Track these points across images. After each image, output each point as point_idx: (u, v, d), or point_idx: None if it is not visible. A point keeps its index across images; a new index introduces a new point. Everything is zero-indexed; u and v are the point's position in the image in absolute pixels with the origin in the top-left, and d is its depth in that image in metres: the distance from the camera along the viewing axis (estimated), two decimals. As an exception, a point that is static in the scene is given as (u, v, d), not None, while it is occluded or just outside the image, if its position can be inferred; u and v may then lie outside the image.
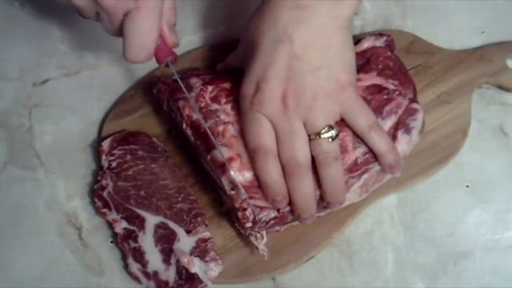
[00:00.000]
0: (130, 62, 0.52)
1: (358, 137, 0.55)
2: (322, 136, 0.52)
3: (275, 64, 0.52)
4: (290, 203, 0.55)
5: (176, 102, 0.58)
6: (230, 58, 0.62)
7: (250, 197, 0.55)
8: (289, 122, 0.52)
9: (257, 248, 0.57)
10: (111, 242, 0.62)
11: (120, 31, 0.51)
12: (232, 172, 0.54)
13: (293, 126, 0.52)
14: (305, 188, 0.54)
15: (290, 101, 0.52)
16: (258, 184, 0.55)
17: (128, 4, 0.49)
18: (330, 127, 0.53)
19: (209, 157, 0.56)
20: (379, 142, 0.55)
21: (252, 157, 0.54)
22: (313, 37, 0.52)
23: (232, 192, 0.55)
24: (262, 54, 0.53)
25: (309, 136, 0.53)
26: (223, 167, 0.55)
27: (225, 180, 0.55)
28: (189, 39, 0.70)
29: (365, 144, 0.55)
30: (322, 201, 0.56)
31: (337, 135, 0.53)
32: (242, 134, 0.55)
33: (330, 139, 0.53)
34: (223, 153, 0.55)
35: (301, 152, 0.53)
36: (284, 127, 0.53)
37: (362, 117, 0.54)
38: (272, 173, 0.53)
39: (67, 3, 0.50)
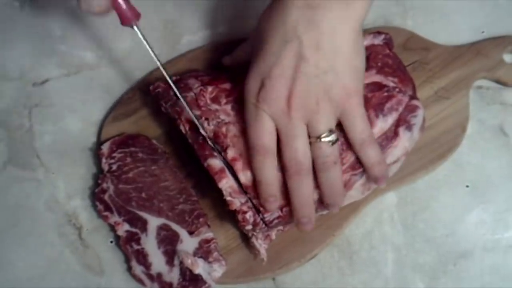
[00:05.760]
0: (84, 11, 0.49)
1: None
2: (322, 140, 0.52)
3: (281, 63, 0.52)
4: (290, 204, 0.55)
5: (175, 105, 0.58)
6: (237, 52, 0.62)
7: (255, 197, 0.55)
8: (292, 123, 0.52)
9: (258, 251, 0.57)
10: (111, 242, 0.62)
11: None
12: (229, 179, 0.54)
13: (296, 127, 0.52)
14: (305, 189, 0.54)
15: (294, 103, 0.52)
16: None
17: None
18: (331, 131, 0.52)
19: (206, 163, 0.56)
20: (369, 156, 0.54)
21: (251, 154, 0.54)
22: (323, 39, 0.51)
23: (229, 198, 0.55)
24: (269, 52, 0.52)
25: (309, 138, 0.53)
26: (220, 174, 0.55)
27: (223, 185, 0.55)
28: (189, 39, 0.70)
29: (356, 154, 0.55)
30: (322, 203, 0.56)
31: (337, 140, 0.53)
32: (244, 133, 0.55)
33: (330, 143, 0.52)
34: (226, 154, 0.55)
35: (302, 152, 0.53)
36: (286, 128, 0.52)
37: (358, 129, 0.53)
38: (268, 172, 0.54)
39: None
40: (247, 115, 0.54)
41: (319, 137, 0.52)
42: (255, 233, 0.57)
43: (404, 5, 0.71)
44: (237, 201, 0.55)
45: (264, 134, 0.53)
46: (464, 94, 0.65)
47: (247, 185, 0.55)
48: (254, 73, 0.53)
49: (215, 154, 0.55)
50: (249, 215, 0.55)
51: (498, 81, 0.67)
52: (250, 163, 0.55)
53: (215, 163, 0.55)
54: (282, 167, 0.54)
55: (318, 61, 0.51)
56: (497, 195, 0.63)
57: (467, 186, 0.64)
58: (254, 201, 0.55)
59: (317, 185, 0.55)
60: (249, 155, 0.55)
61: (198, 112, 0.57)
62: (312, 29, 0.51)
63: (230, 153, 0.55)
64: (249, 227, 0.55)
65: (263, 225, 0.56)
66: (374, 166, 0.55)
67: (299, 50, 0.51)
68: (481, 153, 0.65)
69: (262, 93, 0.52)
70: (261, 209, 0.55)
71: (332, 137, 0.52)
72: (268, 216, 0.55)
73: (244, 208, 0.55)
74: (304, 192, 0.54)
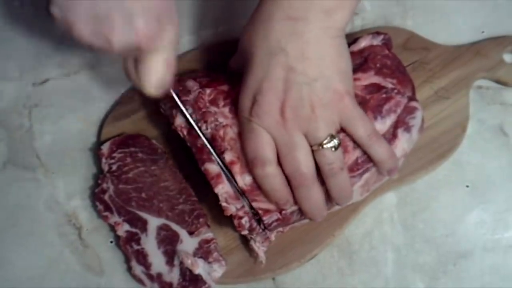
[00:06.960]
0: (151, 95, 0.52)
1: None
2: (325, 146, 0.52)
3: (270, 76, 0.52)
4: (299, 209, 0.55)
5: (174, 108, 0.58)
6: (231, 62, 0.62)
7: (253, 200, 0.55)
8: (288, 134, 0.52)
9: (257, 254, 0.57)
10: (111, 242, 0.62)
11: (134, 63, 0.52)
12: (225, 185, 0.54)
13: (293, 138, 0.52)
14: (314, 197, 0.54)
15: (288, 113, 0.51)
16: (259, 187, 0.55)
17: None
18: (332, 137, 0.52)
19: (203, 168, 0.56)
20: (379, 151, 0.55)
21: (251, 167, 0.54)
22: (307, 48, 0.51)
23: (224, 204, 0.55)
24: (256, 67, 0.53)
25: (311, 147, 0.53)
26: (217, 179, 0.55)
27: (219, 191, 0.55)
28: (188, 39, 0.70)
29: (365, 152, 0.55)
30: (330, 200, 0.56)
31: (339, 144, 0.53)
32: (241, 138, 0.55)
33: (333, 149, 0.52)
34: (224, 157, 0.55)
35: (304, 163, 0.52)
36: (284, 140, 0.52)
37: (361, 128, 0.53)
38: (272, 182, 0.53)
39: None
40: (242, 131, 0.54)
41: (321, 144, 0.52)
42: (253, 237, 0.57)
43: (404, 5, 0.71)
44: (232, 207, 0.55)
45: (262, 145, 0.53)
46: (464, 94, 0.65)
47: (244, 188, 0.55)
48: (245, 90, 0.54)
49: (213, 158, 0.55)
50: (245, 221, 0.55)
51: (498, 81, 0.67)
52: (248, 168, 0.54)
53: (212, 167, 0.55)
54: (286, 178, 0.54)
55: (306, 70, 0.51)
56: (497, 195, 0.63)
57: (467, 186, 0.64)
58: (252, 204, 0.55)
59: (325, 188, 0.55)
60: (249, 168, 0.54)
61: (198, 116, 0.56)
62: (296, 40, 0.51)
63: (228, 157, 0.55)
64: (245, 232, 0.55)
65: (260, 229, 0.56)
66: (386, 161, 0.55)
67: (286, 61, 0.51)
68: (481, 153, 0.65)
69: (255, 108, 0.52)
70: (260, 212, 0.55)
71: (334, 142, 0.52)
72: (267, 219, 0.55)
73: (240, 213, 0.55)
74: (314, 199, 0.54)
